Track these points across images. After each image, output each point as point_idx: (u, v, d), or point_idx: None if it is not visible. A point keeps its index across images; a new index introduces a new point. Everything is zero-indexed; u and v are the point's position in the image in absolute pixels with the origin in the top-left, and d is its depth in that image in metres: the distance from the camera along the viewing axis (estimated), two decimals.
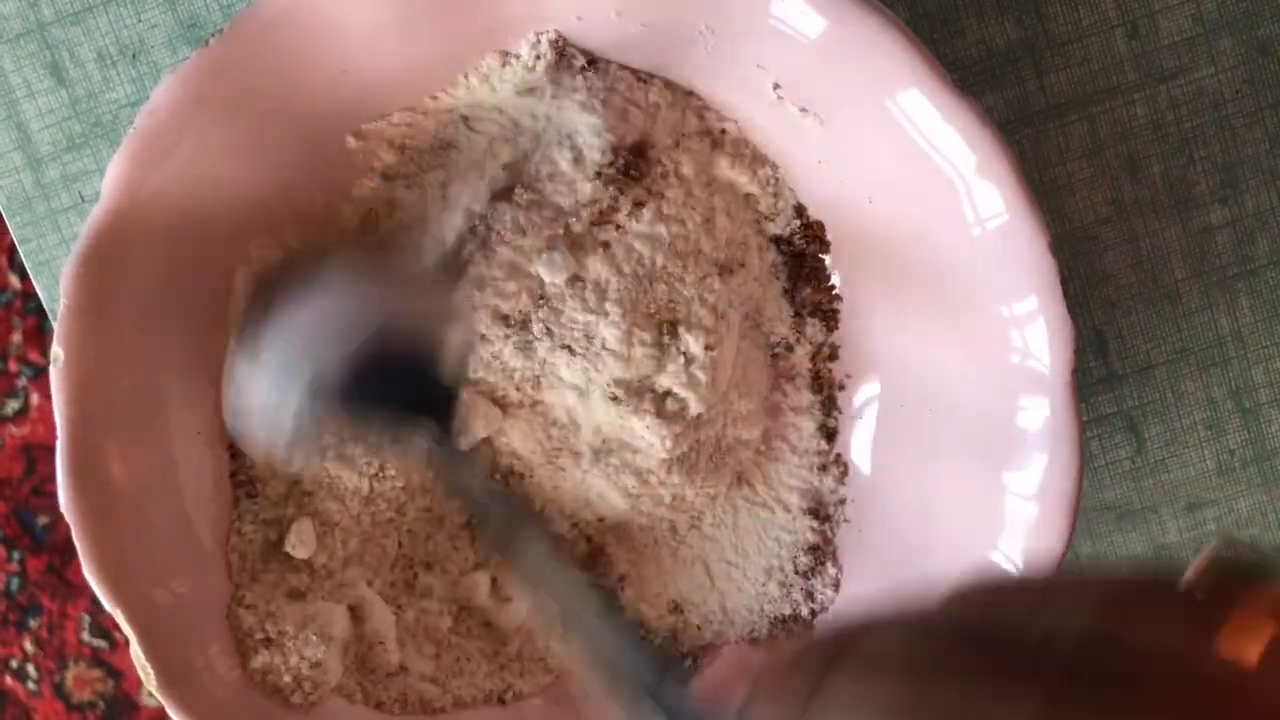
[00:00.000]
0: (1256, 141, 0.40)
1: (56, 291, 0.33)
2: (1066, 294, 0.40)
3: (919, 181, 0.34)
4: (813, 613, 0.39)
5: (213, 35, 0.33)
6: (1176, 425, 0.42)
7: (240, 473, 0.38)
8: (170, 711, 0.34)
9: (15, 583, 1.09)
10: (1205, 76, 0.40)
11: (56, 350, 0.34)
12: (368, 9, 0.33)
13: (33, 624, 1.09)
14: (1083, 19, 0.40)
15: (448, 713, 0.38)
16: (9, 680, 1.10)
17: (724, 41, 0.34)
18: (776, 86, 0.35)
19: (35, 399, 1.07)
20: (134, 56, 0.41)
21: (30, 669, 1.10)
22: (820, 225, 0.38)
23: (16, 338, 1.07)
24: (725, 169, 0.37)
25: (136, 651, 0.34)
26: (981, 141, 0.33)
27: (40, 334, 1.06)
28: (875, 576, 0.38)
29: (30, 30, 0.41)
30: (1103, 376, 0.42)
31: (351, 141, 0.36)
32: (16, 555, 1.09)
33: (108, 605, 0.34)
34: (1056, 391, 0.34)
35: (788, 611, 0.39)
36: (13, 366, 1.07)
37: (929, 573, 0.36)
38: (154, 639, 0.34)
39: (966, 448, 0.36)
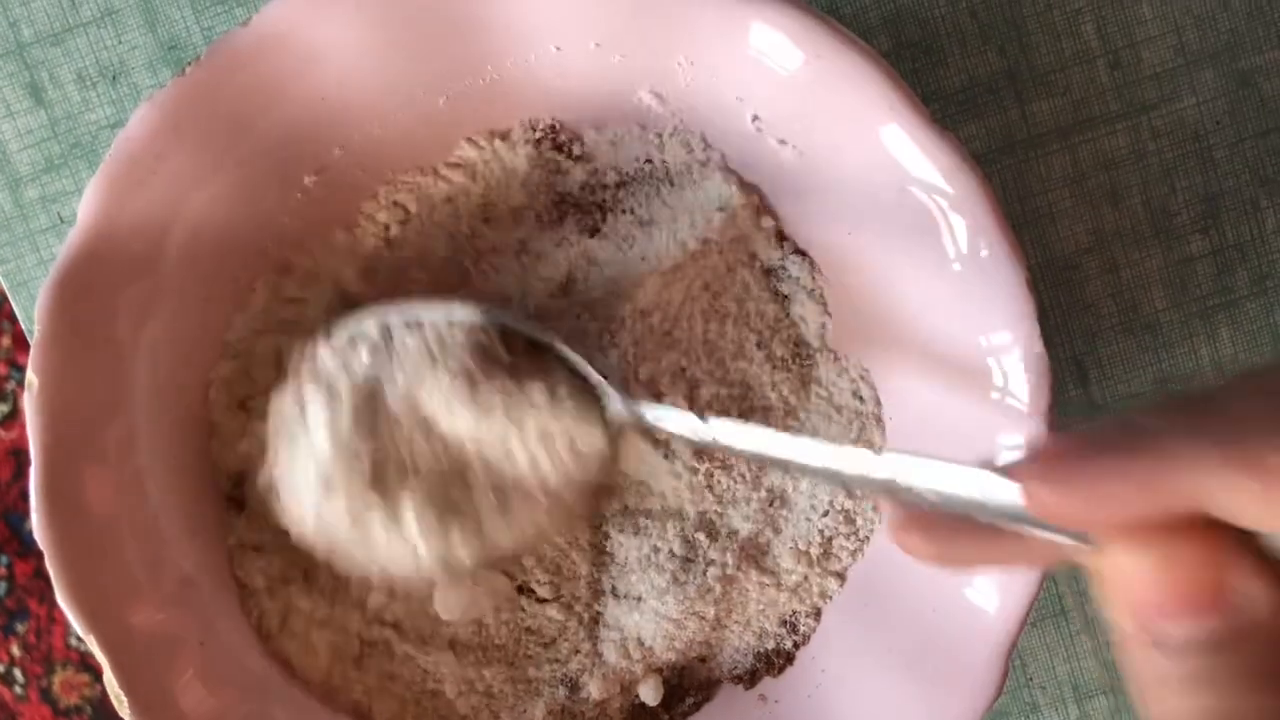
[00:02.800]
0: (1237, 172, 0.40)
1: (34, 312, 0.33)
2: (1047, 324, 0.40)
3: (898, 214, 0.34)
4: (795, 645, 0.39)
5: (190, 62, 0.33)
6: None
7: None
8: None
9: (3, 587, 1.09)
10: (1187, 107, 0.40)
11: (31, 376, 0.34)
12: (346, 37, 0.33)
13: (20, 628, 1.09)
14: (1065, 49, 0.40)
15: None
16: None
17: (703, 73, 0.34)
18: (755, 118, 0.34)
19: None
20: (114, 78, 0.41)
21: (17, 673, 1.10)
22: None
23: (5, 341, 1.07)
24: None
25: (109, 679, 0.34)
26: (960, 176, 0.32)
27: (29, 339, 1.05)
28: (854, 609, 0.38)
29: (9, 51, 0.40)
30: (1083, 406, 0.42)
31: (309, 181, 0.36)
32: (4, 559, 1.09)
33: (81, 631, 0.34)
34: (1034, 428, 0.34)
35: (771, 646, 0.39)
36: (1, 370, 1.07)
37: (907, 604, 0.36)
38: (128, 666, 0.34)
39: None
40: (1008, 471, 0.23)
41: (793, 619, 0.39)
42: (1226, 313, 0.41)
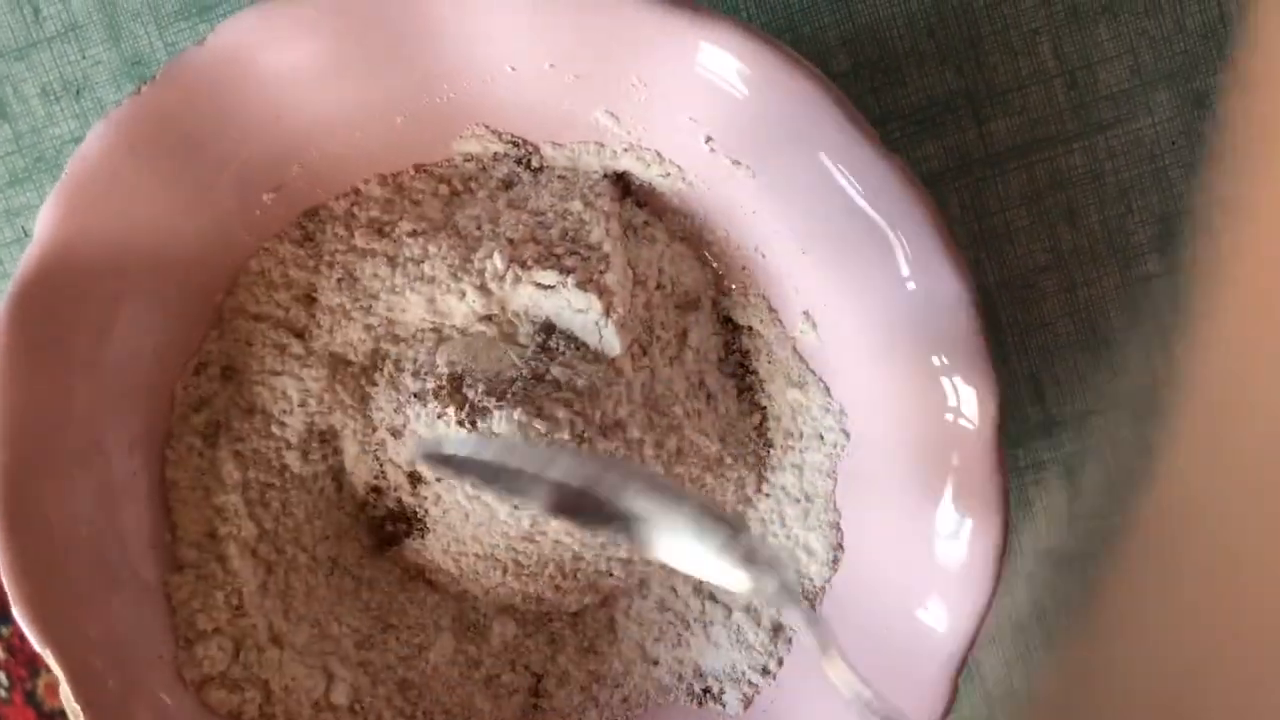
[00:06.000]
0: (1193, 192, 0.41)
1: None
2: (1004, 342, 0.40)
3: (849, 234, 0.34)
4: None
5: (146, 81, 0.33)
6: (1113, 471, 0.42)
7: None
8: None
9: None
10: (1143, 127, 0.40)
11: None
12: (301, 57, 0.33)
13: (4, 631, 1.09)
14: (1022, 69, 0.40)
15: None
16: None
17: (656, 94, 0.34)
18: (709, 139, 0.35)
19: None
20: (78, 93, 0.41)
21: (1, 676, 1.10)
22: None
23: None
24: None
25: (65, 693, 0.34)
26: (906, 198, 0.33)
27: None
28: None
29: None
30: (1040, 422, 0.42)
31: (267, 198, 0.36)
32: None
33: (38, 646, 0.34)
34: (981, 446, 0.34)
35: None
36: None
37: (860, 622, 0.37)
38: (85, 680, 0.34)
39: (901, 498, 0.36)
40: None
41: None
42: (1182, 331, 0.41)
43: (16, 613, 0.34)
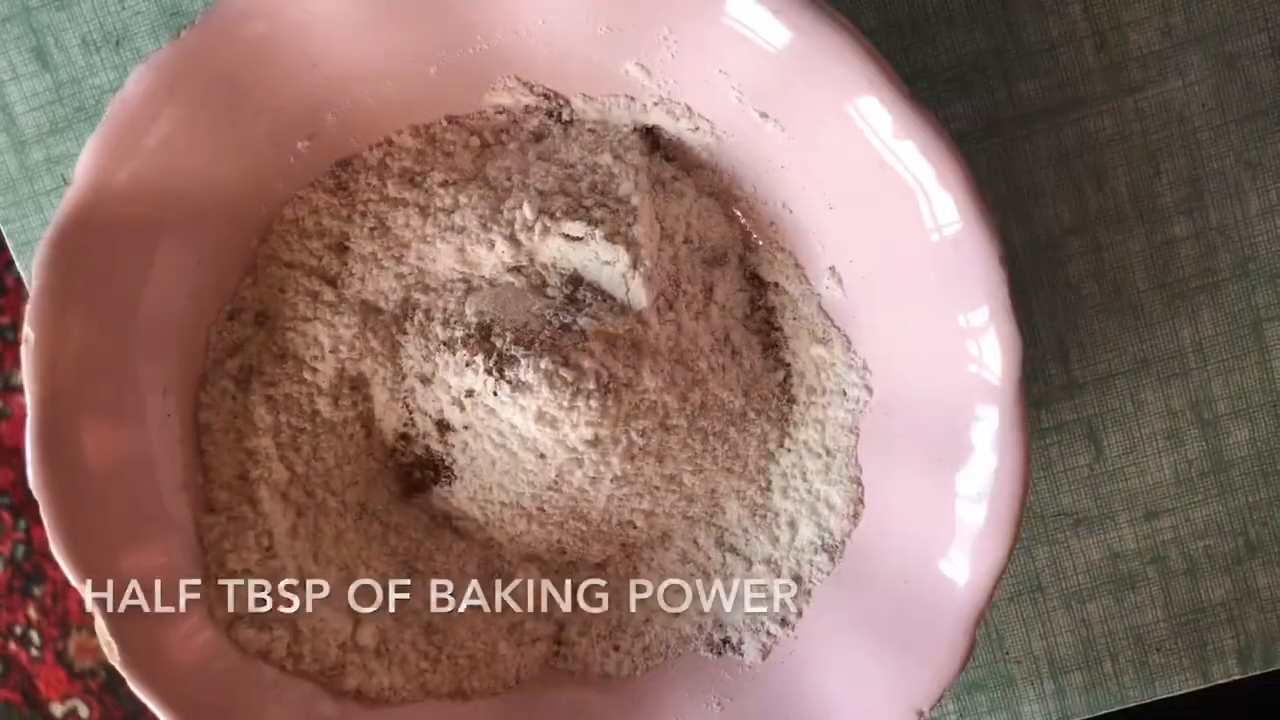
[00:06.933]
0: (1221, 155, 0.41)
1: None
2: (1029, 303, 0.40)
3: (877, 189, 0.34)
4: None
5: (186, 26, 0.34)
6: (1135, 434, 0.43)
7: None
8: (132, 686, 0.35)
9: (21, 550, 1.11)
10: (1172, 89, 0.40)
11: (28, 331, 0.35)
12: (337, 6, 0.34)
13: (37, 591, 1.11)
14: (1052, 29, 0.40)
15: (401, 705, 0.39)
16: (13, 646, 1.11)
17: (685, 46, 0.34)
18: (738, 92, 0.35)
19: None
20: (117, 43, 0.42)
21: (34, 635, 1.11)
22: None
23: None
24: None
25: (100, 626, 0.35)
26: (937, 152, 0.33)
27: None
28: (829, 579, 0.38)
29: (16, 14, 0.41)
30: (1064, 384, 0.42)
31: (302, 146, 0.37)
32: (23, 524, 1.10)
33: (73, 580, 0.35)
34: (1005, 402, 0.34)
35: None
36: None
37: (880, 574, 0.37)
38: (119, 615, 0.35)
39: (923, 453, 0.36)
40: None
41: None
42: (1208, 294, 0.42)
43: (54, 547, 0.35)
